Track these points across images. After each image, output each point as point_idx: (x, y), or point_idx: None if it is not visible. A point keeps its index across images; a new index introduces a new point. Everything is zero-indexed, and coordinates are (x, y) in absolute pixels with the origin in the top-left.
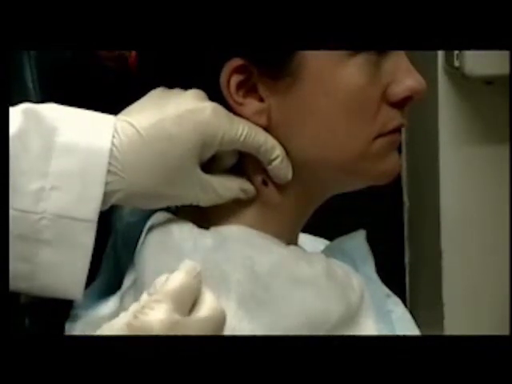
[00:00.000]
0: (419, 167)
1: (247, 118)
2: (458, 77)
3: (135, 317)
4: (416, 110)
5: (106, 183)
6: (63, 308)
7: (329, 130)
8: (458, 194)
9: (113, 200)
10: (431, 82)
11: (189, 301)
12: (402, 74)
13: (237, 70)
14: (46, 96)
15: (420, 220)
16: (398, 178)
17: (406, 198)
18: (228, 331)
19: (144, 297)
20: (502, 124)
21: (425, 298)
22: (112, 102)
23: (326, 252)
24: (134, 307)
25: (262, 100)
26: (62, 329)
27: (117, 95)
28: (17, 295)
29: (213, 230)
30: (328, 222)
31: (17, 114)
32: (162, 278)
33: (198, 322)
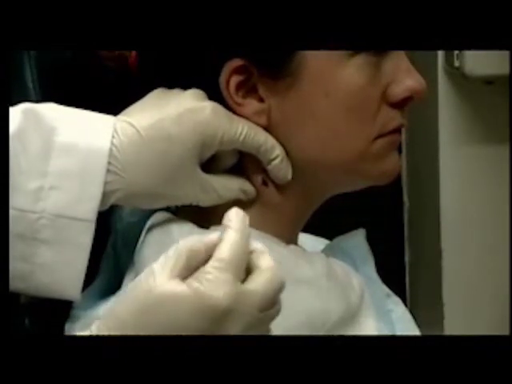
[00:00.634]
0: (419, 167)
1: (247, 119)
2: (458, 77)
3: (198, 284)
4: (416, 109)
5: (106, 183)
6: (63, 308)
7: (329, 131)
8: (458, 194)
9: (112, 200)
10: (431, 82)
11: (244, 264)
12: (402, 75)
13: (236, 71)
14: (46, 96)
15: (420, 220)
16: (398, 178)
17: (406, 198)
18: None
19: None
20: (502, 124)
21: (425, 298)
22: (112, 101)
23: (326, 251)
24: (177, 265)
25: (261, 100)
26: (62, 329)
27: (117, 95)
28: (17, 295)
29: (213, 229)
30: (328, 221)
31: (16, 114)
32: (213, 236)
33: (261, 291)
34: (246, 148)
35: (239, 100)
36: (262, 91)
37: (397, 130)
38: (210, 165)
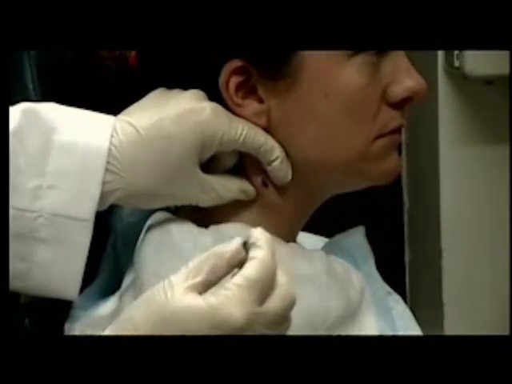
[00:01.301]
0: (419, 167)
1: (247, 119)
2: (458, 77)
3: (215, 299)
4: (416, 110)
5: (105, 182)
6: (63, 308)
7: (328, 131)
8: (458, 194)
9: (112, 199)
10: (431, 82)
11: (268, 289)
12: (402, 75)
13: (236, 72)
14: (45, 96)
15: (420, 220)
16: (398, 178)
17: (405, 198)
18: None
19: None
20: (502, 124)
21: (425, 298)
22: (112, 101)
23: (326, 249)
24: (193, 277)
25: (261, 101)
26: (62, 329)
27: (117, 95)
28: (17, 295)
29: (212, 228)
30: (328, 221)
31: (16, 113)
32: (234, 247)
33: (274, 310)
34: (245, 148)
35: (239, 101)
36: (261, 92)
37: (397, 130)
38: (209, 165)
